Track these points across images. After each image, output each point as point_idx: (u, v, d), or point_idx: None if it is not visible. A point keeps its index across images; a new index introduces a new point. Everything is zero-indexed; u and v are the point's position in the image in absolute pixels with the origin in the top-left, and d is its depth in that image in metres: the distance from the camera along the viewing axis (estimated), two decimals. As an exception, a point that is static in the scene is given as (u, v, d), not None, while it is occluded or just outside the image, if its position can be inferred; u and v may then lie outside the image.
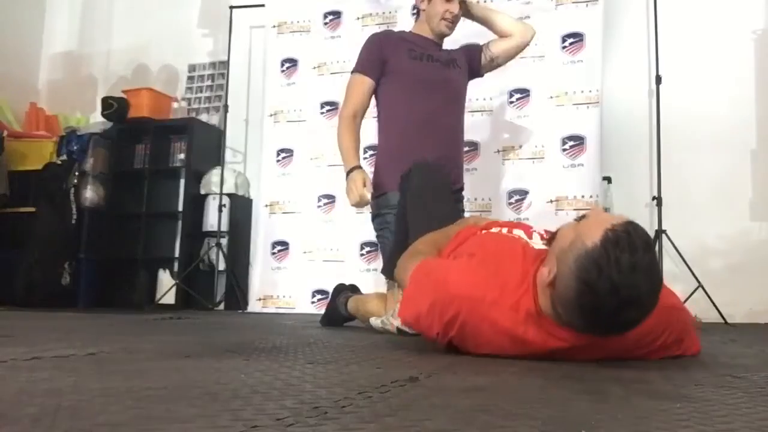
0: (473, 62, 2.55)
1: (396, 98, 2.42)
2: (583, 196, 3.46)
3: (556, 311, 1.18)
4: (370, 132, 2.61)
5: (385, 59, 2.41)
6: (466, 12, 2.53)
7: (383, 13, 4.01)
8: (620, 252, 1.03)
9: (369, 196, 2.28)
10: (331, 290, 2.65)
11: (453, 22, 2.47)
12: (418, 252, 1.55)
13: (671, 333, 1.30)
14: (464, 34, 2.68)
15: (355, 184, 2.26)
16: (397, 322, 2.05)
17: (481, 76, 2.63)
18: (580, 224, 1.16)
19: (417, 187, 2.03)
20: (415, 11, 2.63)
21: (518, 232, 1.52)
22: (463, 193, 2.56)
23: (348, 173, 2.31)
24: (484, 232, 1.59)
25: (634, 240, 1.05)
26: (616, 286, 1.03)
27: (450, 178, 2.32)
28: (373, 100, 2.49)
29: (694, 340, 1.39)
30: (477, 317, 1.25)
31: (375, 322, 2.14)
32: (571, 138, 3.56)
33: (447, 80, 2.45)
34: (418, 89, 2.39)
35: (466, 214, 2.64)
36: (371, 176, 2.50)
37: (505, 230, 1.56)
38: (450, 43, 2.61)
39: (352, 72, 2.46)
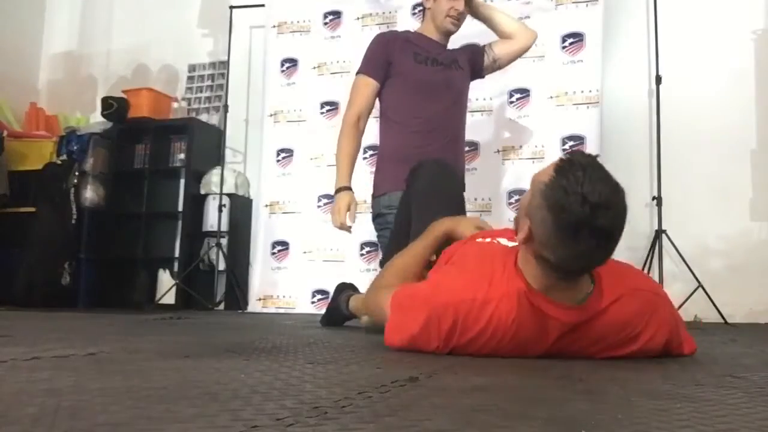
0: (476, 63, 2.54)
1: (399, 100, 2.41)
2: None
3: (543, 266, 1.21)
4: (370, 132, 2.61)
5: (390, 61, 2.40)
6: (472, 11, 2.52)
7: (383, 13, 4.01)
8: (574, 171, 1.12)
9: (350, 225, 2.29)
10: (331, 290, 2.65)
11: (458, 20, 2.45)
12: (389, 285, 1.52)
13: (660, 326, 1.31)
14: (464, 34, 2.67)
15: (339, 209, 2.27)
16: None
17: (483, 77, 2.63)
18: (533, 179, 1.23)
19: (424, 188, 2.01)
20: (420, 9, 2.62)
21: (503, 241, 1.55)
22: (464, 194, 2.56)
23: (336, 191, 2.31)
24: (467, 243, 1.62)
25: (579, 160, 1.15)
26: (583, 196, 1.10)
27: (459, 177, 2.31)
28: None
29: (686, 338, 1.39)
30: (474, 318, 1.26)
31: (366, 319, 2.15)
32: (571, 138, 3.56)
33: (450, 83, 2.44)
34: (421, 92, 2.38)
35: (467, 215, 2.64)
36: (372, 176, 2.50)
37: (488, 239, 1.59)
38: (450, 42, 2.60)
39: (357, 73, 2.45)
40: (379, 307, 1.46)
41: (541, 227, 1.17)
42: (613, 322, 1.27)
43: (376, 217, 2.43)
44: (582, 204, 1.09)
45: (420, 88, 2.39)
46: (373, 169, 2.53)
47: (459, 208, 2.10)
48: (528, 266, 1.25)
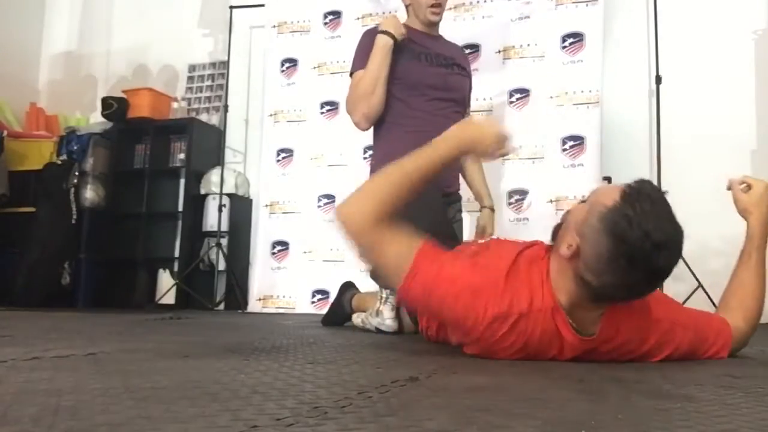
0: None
1: (391, 98, 2.34)
2: (583, 196, 3.45)
3: (579, 285, 1.17)
4: (369, 132, 2.60)
5: None
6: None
7: (383, 13, 4.01)
8: (643, 203, 1.11)
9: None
10: (330, 290, 2.66)
11: (439, 6, 2.40)
12: (388, 210, 1.30)
13: (678, 347, 1.30)
14: (463, 36, 2.66)
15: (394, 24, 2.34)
16: (375, 321, 2.07)
17: None
18: (591, 196, 1.21)
19: None
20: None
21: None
22: (461, 194, 2.56)
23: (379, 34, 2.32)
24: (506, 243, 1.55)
25: (651, 192, 1.14)
26: (647, 232, 1.08)
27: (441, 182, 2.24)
28: None
29: (713, 346, 1.35)
30: (506, 330, 1.21)
31: (356, 320, 2.15)
32: (571, 138, 3.56)
33: (447, 84, 2.39)
34: (414, 89, 2.33)
35: (464, 215, 2.63)
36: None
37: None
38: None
39: (351, 73, 2.38)
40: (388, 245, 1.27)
41: (593, 250, 1.14)
42: (626, 350, 1.26)
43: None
44: (644, 240, 1.07)
45: (413, 86, 2.33)
46: (370, 170, 2.51)
47: (437, 211, 2.06)
48: (562, 280, 1.21)
